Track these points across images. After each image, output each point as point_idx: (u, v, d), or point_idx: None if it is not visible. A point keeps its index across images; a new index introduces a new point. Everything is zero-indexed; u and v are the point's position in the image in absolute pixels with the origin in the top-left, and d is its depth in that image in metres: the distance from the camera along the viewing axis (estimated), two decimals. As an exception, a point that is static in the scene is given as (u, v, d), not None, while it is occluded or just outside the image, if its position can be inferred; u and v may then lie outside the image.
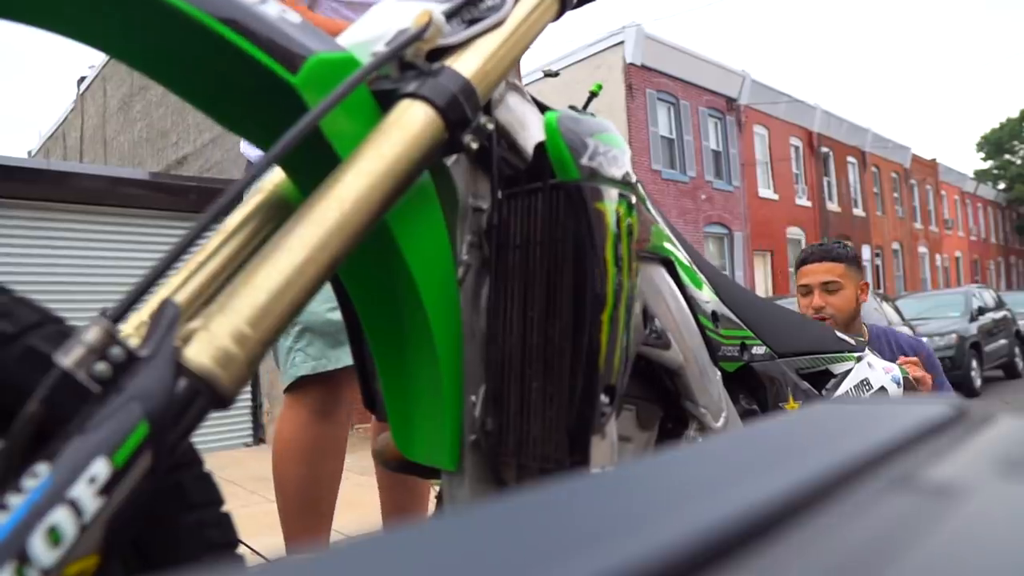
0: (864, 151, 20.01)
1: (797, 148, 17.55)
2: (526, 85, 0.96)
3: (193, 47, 0.65)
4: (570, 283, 0.74)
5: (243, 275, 0.56)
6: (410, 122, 0.65)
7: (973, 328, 9.63)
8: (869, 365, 1.45)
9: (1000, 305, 11.33)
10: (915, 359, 1.82)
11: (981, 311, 10.38)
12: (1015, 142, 37.56)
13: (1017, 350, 11.01)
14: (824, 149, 18.28)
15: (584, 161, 0.76)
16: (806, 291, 2.06)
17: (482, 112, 0.74)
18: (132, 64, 0.71)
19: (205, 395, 0.50)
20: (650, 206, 0.98)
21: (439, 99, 0.66)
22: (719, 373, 1.02)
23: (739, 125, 15.56)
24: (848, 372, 1.38)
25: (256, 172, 0.59)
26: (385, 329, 0.77)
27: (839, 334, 1.47)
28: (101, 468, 0.46)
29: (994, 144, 38.14)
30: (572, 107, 0.96)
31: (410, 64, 0.70)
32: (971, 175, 30.39)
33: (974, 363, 9.22)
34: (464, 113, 0.68)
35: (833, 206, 18.30)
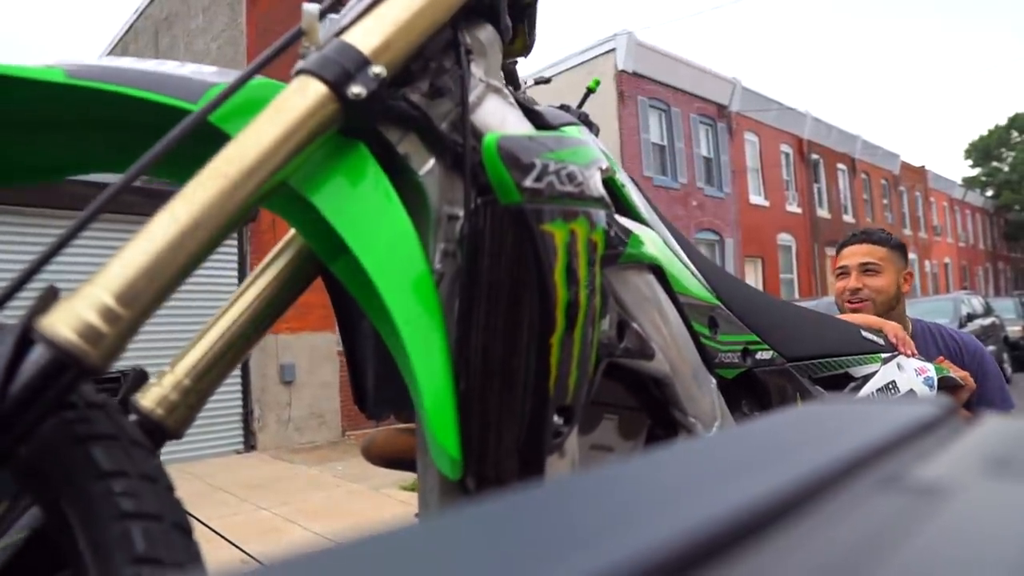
0: (854, 158, 20.13)
1: (787, 155, 17.65)
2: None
3: (123, 119, 0.72)
4: (527, 301, 0.73)
5: (115, 253, 0.58)
6: (284, 93, 0.67)
7: (962, 334, 9.69)
8: (899, 366, 1.36)
9: (988, 311, 11.41)
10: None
11: (970, 317, 10.45)
12: (1002, 149, 37.88)
13: (1006, 356, 11.08)
14: (814, 156, 18.38)
15: (528, 183, 0.73)
16: (842, 273, 1.94)
17: (448, 101, 0.76)
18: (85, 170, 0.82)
19: (71, 364, 0.54)
20: (639, 208, 0.95)
21: (313, 66, 0.68)
22: (714, 381, 0.97)
23: (730, 132, 15.63)
24: (871, 375, 1.29)
25: (136, 172, 0.62)
26: (391, 341, 0.76)
27: (866, 334, 1.37)
28: None
29: (982, 151, 38.45)
30: (564, 106, 0.93)
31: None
32: (959, 182, 30.62)
33: (963, 369, 9.27)
34: (343, 69, 0.68)
35: (823, 213, 18.39)
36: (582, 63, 13.52)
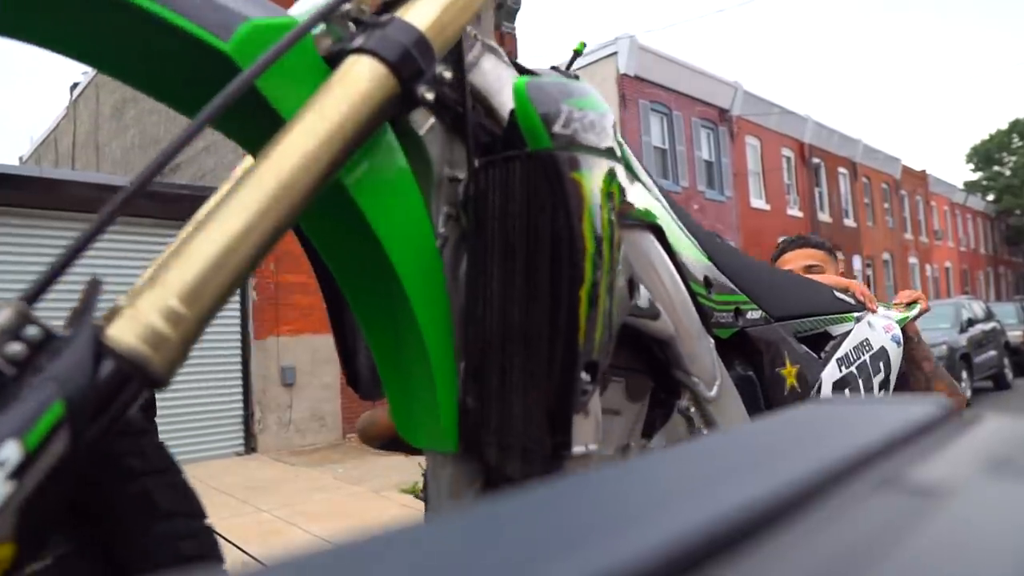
0: (855, 162, 20.12)
1: (789, 159, 17.64)
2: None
3: (125, 27, 0.61)
4: (548, 257, 0.70)
5: (174, 247, 0.52)
6: (354, 77, 0.61)
7: (963, 339, 9.67)
8: (869, 325, 1.41)
9: (989, 316, 11.38)
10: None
11: (971, 322, 10.43)
12: (1004, 153, 37.86)
13: (1006, 361, 11.05)
14: (815, 160, 18.37)
15: (557, 128, 0.72)
16: None
17: (446, 64, 0.70)
18: (69, 54, 0.67)
19: (135, 377, 0.47)
20: (636, 169, 0.94)
21: (386, 51, 0.62)
22: (712, 340, 0.98)
23: (731, 136, 15.63)
24: (848, 333, 1.34)
25: (183, 140, 0.56)
26: (374, 310, 0.73)
27: (837, 294, 1.42)
28: (12, 451, 0.43)
29: (983, 155, 38.43)
30: (555, 67, 0.92)
31: (360, 20, 0.66)
32: (960, 186, 30.61)
33: (964, 374, 9.26)
34: (416, 64, 0.63)
35: (824, 216, 18.38)
36: (584, 66, 13.53)
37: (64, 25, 0.65)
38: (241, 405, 6.92)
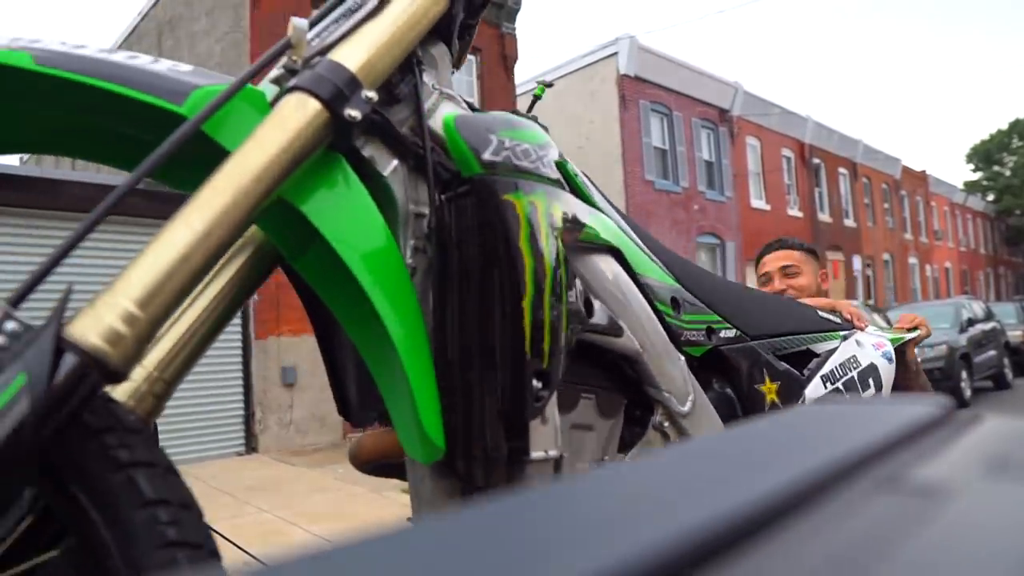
0: (855, 162, 20.12)
1: (789, 159, 17.63)
2: (521, 94, 0.97)
3: (98, 111, 0.72)
4: (494, 273, 0.78)
5: (133, 260, 0.62)
6: (284, 109, 0.71)
7: (963, 339, 9.66)
8: (857, 343, 1.42)
9: (989, 316, 11.37)
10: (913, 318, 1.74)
11: (971, 322, 10.42)
12: (1004, 154, 37.82)
13: (1006, 361, 11.05)
14: (815, 160, 18.36)
15: (487, 156, 0.80)
16: (766, 280, 2.07)
17: (399, 102, 0.81)
18: (56, 152, 0.82)
19: (95, 368, 0.56)
20: (595, 199, 0.99)
21: (308, 83, 0.73)
22: (683, 358, 1.02)
23: (732, 136, 15.62)
24: (833, 351, 1.35)
25: (138, 175, 0.65)
26: (364, 335, 0.80)
27: (824, 314, 1.44)
28: None
29: (983, 156, 38.40)
30: (515, 111, 0.99)
31: (294, 71, 0.78)
32: (960, 186, 30.58)
33: (964, 374, 9.25)
34: (336, 89, 0.73)
35: (824, 217, 18.37)
36: (584, 67, 13.53)
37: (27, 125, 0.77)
38: (242, 405, 6.92)
